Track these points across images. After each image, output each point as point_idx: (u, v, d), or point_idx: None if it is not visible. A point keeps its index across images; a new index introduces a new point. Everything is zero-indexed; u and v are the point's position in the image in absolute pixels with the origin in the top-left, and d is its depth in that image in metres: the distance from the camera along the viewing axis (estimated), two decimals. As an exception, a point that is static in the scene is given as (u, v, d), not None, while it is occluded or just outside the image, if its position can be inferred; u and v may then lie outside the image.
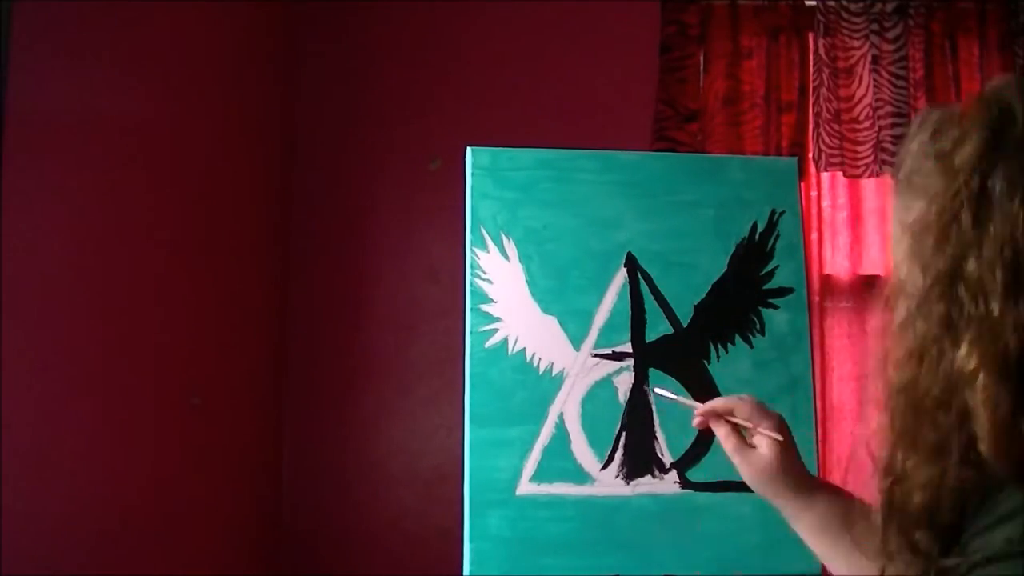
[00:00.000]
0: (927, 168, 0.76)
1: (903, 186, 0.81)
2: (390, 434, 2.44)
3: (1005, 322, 0.67)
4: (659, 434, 1.30)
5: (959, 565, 0.67)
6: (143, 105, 1.82)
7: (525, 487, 1.27)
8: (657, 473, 1.30)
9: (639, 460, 1.30)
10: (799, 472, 1.02)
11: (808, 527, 1.03)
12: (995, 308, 0.68)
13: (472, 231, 1.33)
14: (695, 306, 1.34)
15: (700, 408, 1.05)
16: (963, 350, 0.68)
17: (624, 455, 1.29)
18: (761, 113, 2.37)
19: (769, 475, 1.01)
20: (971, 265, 0.69)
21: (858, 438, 0.84)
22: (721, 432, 1.03)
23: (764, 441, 1.01)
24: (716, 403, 1.04)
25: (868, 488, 0.77)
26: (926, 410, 0.70)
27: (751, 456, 1.01)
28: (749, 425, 1.02)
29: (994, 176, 0.70)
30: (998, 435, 0.66)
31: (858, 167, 2.35)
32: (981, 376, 0.67)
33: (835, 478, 2.32)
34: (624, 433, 1.30)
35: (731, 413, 1.03)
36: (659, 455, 1.30)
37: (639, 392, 1.31)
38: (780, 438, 1.01)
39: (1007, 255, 0.68)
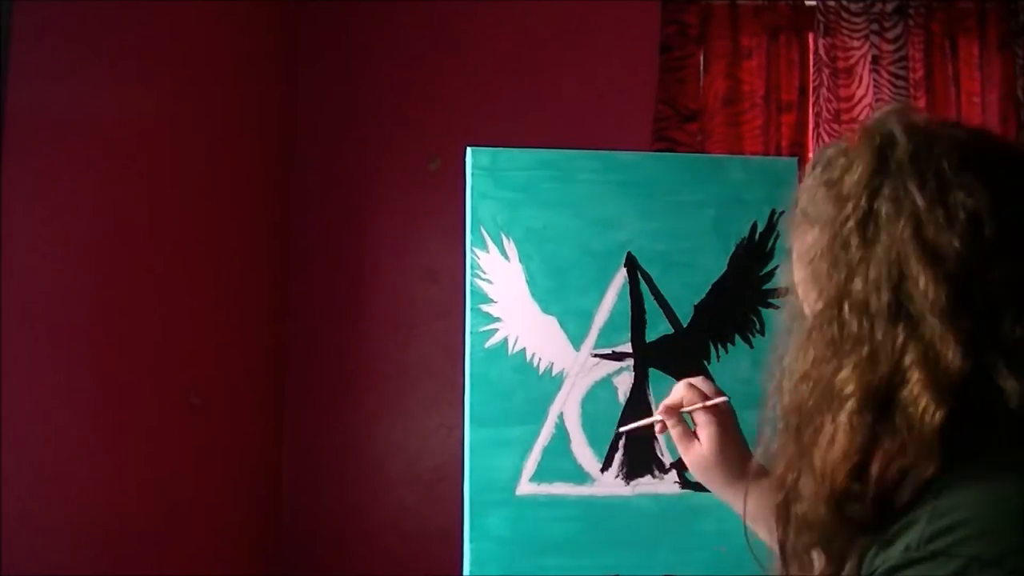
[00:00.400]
0: (819, 198, 0.78)
1: (798, 219, 0.83)
2: (390, 434, 2.44)
3: (885, 344, 0.69)
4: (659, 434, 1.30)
5: None
6: (143, 105, 1.82)
7: (525, 487, 1.27)
8: (657, 473, 1.30)
9: (639, 460, 1.30)
10: (735, 463, 1.04)
11: (746, 515, 1.05)
12: (878, 331, 0.69)
13: (472, 231, 1.33)
14: (695, 306, 1.34)
15: (659, 410, 1.06)
16: (843, 373, 0.70)
17: (624, 455, 1.29)
18: (761, 113, 2.37)
19: (705, 466, 1.04)
20: (858, 287, 0.71)
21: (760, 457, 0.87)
22: (670, 423, 1.06)
23: (704, 432, 1.04)
24: (670, 397, 1.07)
25: None
26: (810, 431, 0.72)
27: (691, 447, 1.05)
28: (692, 408, 1.04)
29: (879, 198, 0.72)
30: (849, 466, 0.68)
31: (858, 167, 2.35)
32: (851, 403, 0.69)
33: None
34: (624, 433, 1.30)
35: (681, 403, 1.06)
36: (659, 455, 1.30)
37: (639, 392, 1.31)
38: (714, 402, 1.04)
39: (892, 275, 0.70)
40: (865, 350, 0.69)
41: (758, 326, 1.33)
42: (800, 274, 0.82)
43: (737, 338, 1.34)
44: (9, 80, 1.42)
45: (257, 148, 2.35)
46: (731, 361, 1.33)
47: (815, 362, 0.73)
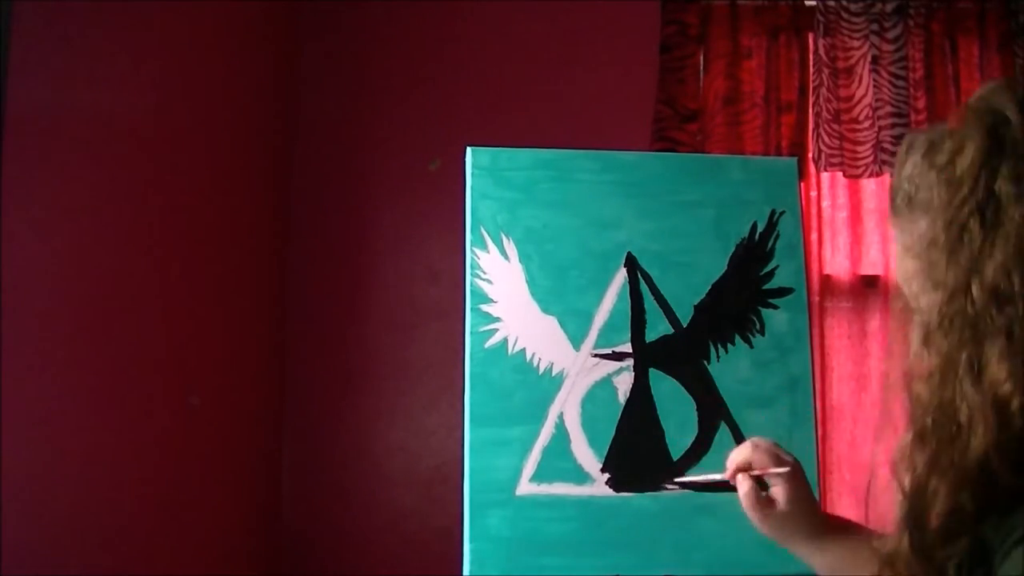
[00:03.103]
0: (927, 183, 0.74)
1: (902, 208, 0.79)
2: (390, 434, 2.44)
3: None
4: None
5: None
6: (143, 106, 1.82)
7: (525, 487, 1.27)
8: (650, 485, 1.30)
9: (634, 473, 1.30)
10: (812, 521, 1.03)
11: (821, 568, 1.04)
12: (1016, 315, 0.65)
13: (472, 231, 1.33)
14: (695, 306, 1.34)
15: (727, 474, 1.05)
16: (993, 367, 0.66)
17: (620, 461, 1.29)
18: (761, 113, 2.37)
19: (782, 525, 1.03)
20: (988, 272, 0.67)
21: (876, 463, 0.82)
22: (743, 490, 1.04)
23: (779, 491, 1.02)
24: (736, 458, 1.04)
25: (886, 515, 0.75)
26: (955, 430, 0.67)
27: (763, 507, 1.02)
28: (767, 472, 1.03)
29: (998, 180, 0.68)
30: (1007, 458, 0.64)
31: (858, 167, 2.35)
32: (1017, 397, 0.64)
33: (834, 478, 2.32)
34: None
35: (750, 465, 1.03)
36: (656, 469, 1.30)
37: (639, 392, 1.31)
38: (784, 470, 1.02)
39: (1022, 259, 0.66)
40: (1011, 337, 0.65)
41: (758, 326, 1.33)
42: (911, 266, 0.77)
43: (737, 338, 1.34)
44: (9, 80, 1.42)
45: (257, 148, 2.35)
46: (731, 361, 1.33)
47: (947, 357, 0.69)
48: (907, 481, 0.71)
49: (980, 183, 0.69)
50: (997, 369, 0.65)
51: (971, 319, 0.67)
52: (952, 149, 0.72)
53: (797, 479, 1.04)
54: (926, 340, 0.71)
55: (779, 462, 1.04)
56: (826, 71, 2.38)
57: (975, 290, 0.67)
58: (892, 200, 0.82)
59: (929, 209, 0.73)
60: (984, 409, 0.65)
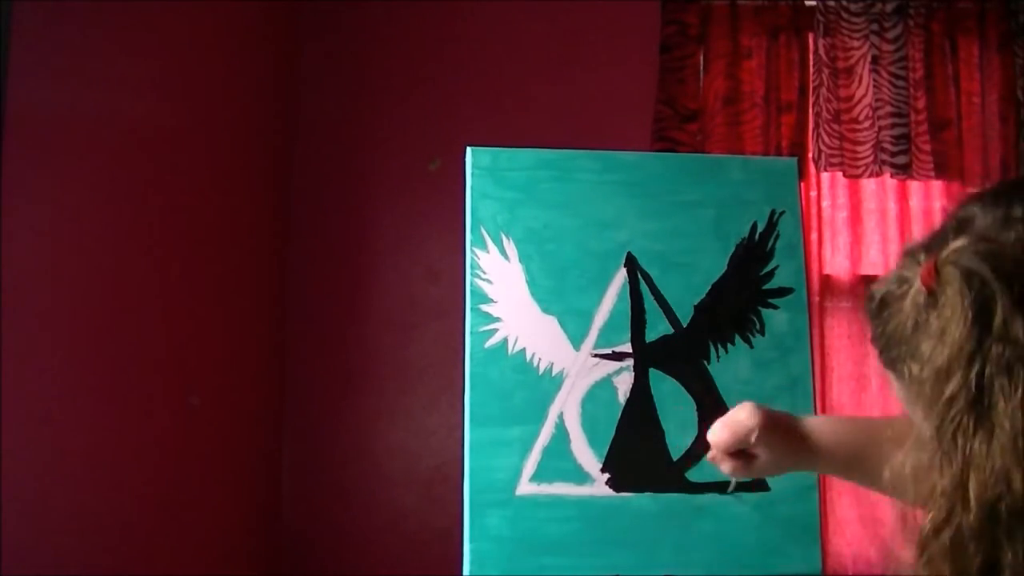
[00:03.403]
0: (912, 373, 0.68)
1: (895, 376, 0.73)
2: (390, 434, 2.44)
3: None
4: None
5: None
6: (143, 106, 1.82)
7: (525, 487, 1.27)
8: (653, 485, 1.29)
9: (635, 473, 1.30)
10: (794, 451, 1.05)
11: (823, 472, 1.11)
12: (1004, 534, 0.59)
13: (472, 231, 1.32)
14: (695, 306, 1.34)
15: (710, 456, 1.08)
16: None
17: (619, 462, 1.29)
18: (761, 113, 2.37)
19: (771, 470, 1.06)
20: (983, 487, 0.61)
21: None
22: (727, 467, 1.06)
23: (761, 453, 1.04)
24: (716, 442, 1.06)
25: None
26: None
27: (752, 466, 1.05)
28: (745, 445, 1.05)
29: (988, 366, 0.62)
30: None
31: (858, 167, 2.35)
32: None
33: (834, 478, 2.32)
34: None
35: (726, 446, 1.05)
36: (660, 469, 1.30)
37: (639, 392, 1.31)
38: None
39: (1021, 445, 0.60)
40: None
41: (758, 326, 1.33)
42: (907, 402, 0.72)
43: (737, 338, 1.34)
44: (9, 80, 1.42)
45: (257, 148, 2.35)
46: (731, 361, 1.33)
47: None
48: None
49: (972, 377, 0.62)
50: None
51: (974, 540, 0.61)
52: (936, 334, 0.65)
53: (768, 435, 1.05)
54: (927, 561, 0.64)
55: (742, 440, 1.04)
56: (826, 71, 2.38)
57: (972, 503, 0.61)
58: (881, 358, 0.75)
59: (918, 402, 0.67)
60: None
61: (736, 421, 1.05)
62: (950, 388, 0.63)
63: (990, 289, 0.62)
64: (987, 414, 0.61)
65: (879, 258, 2.38)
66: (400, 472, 2.41)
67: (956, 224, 0.68)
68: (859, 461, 1.04)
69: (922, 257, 0.69)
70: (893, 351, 0.71)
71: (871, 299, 0.75)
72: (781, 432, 1.05)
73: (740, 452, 1.06)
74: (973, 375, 0.62)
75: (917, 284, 0.67)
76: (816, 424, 1.07)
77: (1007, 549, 0.60)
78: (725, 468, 1.07)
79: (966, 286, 0.63)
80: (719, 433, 1.05)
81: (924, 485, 0.65)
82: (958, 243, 0.65)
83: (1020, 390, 0.60)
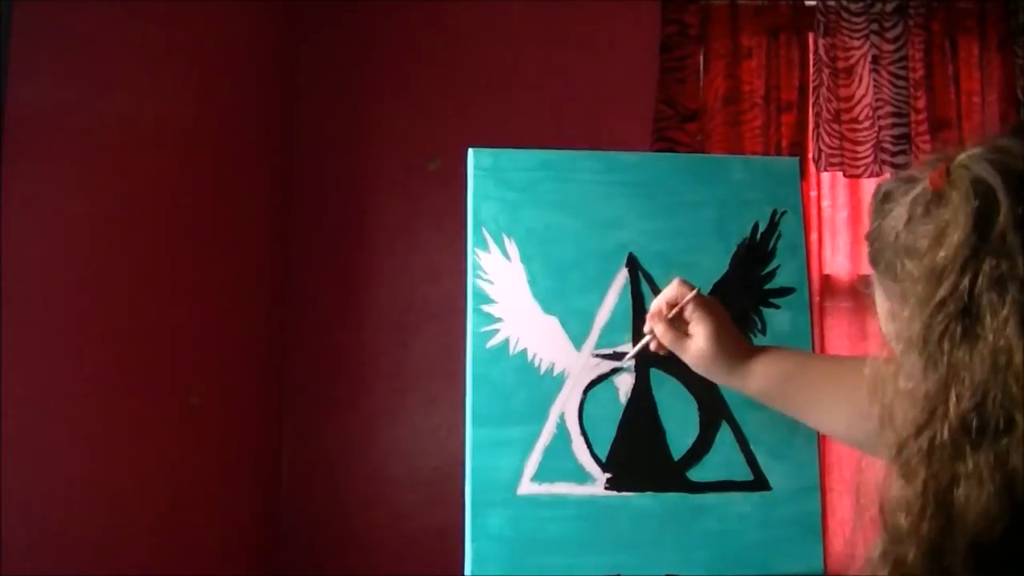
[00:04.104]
0: (907, 269, 0.68)
1: (881, 276, 0.74)
2: (390, 434, 2.44)
3: (1012, 444, 0.59)
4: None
5: None
6: (142, 106, 1.82)
7: (526, 487, 1.27)
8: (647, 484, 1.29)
9: (633, 473, 1.30)
10: (733, 351, 1.11)
11: (754, 394, 1.12)
12: (999, 440, 0.60)
13: (474, 232, 1.32)
14: (696, 306, 1.34)
15: (646, 328, 1.17)
16: (968, 503, 0.60)
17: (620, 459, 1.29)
18: (761, 113, 2.37)
19: (707, 359, 1.11)
20: (960, 395, 0.61)
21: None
22: (659, 329, 1.14)
23: (698, 328, 1.11)
24: (650, 310, 1.16)
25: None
26: (933, 567, 0.62)
27: (688, 345, 1.12)
28: (682, 304, 1.13)
29: (980, 278, 0.61)
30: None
31: (858, 167, 2.35)
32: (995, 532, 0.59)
33: (834, 477, 2.32)
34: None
35: (662, 311, 1.14)
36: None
37: (641, 392, 1.31)
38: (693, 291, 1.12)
39: (996, 380, 0.60)
40: (993, 455, 0.60)
41: (759, 326, 1.33)
42: (889, 329, 0.73)
43: (738, 338, 1.33)
44: (9, 80, 1.42)
45: (257, 148, 2.35)
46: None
47: (924, 487, 0.63)
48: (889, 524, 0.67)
49: (961, 283, 0.62)
50: (972, 507, 0.60)
51: (952, 446, 0.61)
52: (934, 234, 0.65)
53: (711, 308, 1.12)
54: (903, 464, 0.65)
55: (697, 299, 1.12)
56: (826, 71, 2.38)
57: (952, 411, 0.61)
58: (871, 256, 0.75)
59: (906, 299, 0.67)
60: (970, 553, 0.60)
61: (677, 283, 1.14)
62: (941, 292, 0.62)
63: (995, 199, 0.62)
64: (973, 325, 0.61)
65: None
66: (400, 472, 2.41)
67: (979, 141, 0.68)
68: (796, 388, 1.08)
69: (936, 162, 0.69)
70: (887, 248, 0.71)
71: (877, 192, 0.76)
72: (719, 318, 1.11)
73: (674, 323, 1.13)
74: (965, 282, 0.61)
75: (925, 183, 0.68)
76: (760, 347, 1.13)
77: (969, 460, 0.60)
78: (658, 330, 1.14)
79: (972, 191, 0.63)
80: (661, 293, 1.15)
81: (906, 387, 0.65)
82: (974, 150, 0.65)
83: (1007, 308, 0.60)
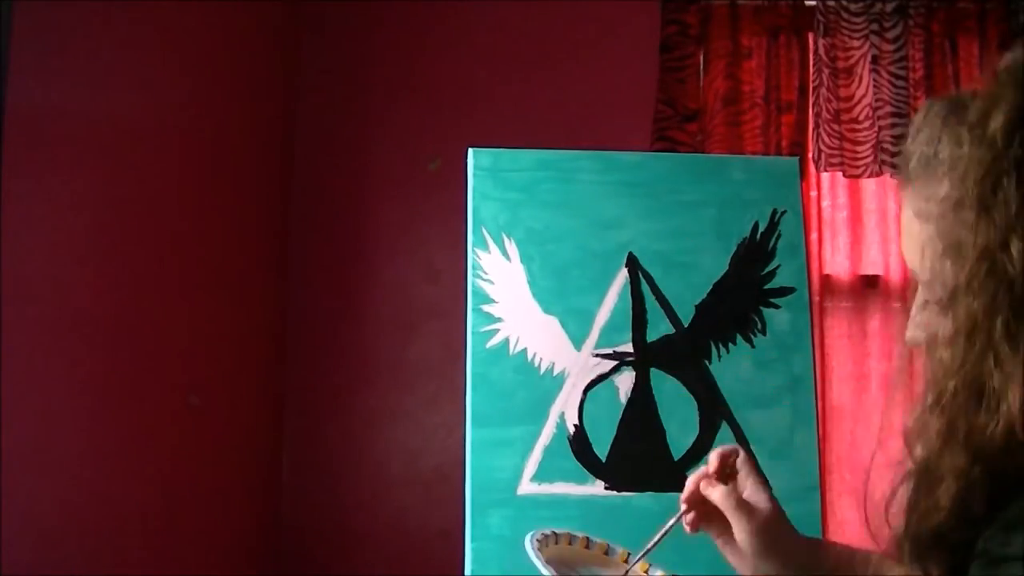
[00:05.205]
0: (953, 142, 0.70)
1: (919, 173, 0.76)
2: (390, 434, 2.44)
3: None
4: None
5: (978, 558, 0.62)
6: (142, 106, 1.82)
7: (526, 487, 1.27)
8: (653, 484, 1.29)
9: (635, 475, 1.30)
10: (792, 531, 0.98)
11: (823, 570, 0.97)
12: None
13: (474, 232, 1.32)
14: (696, 306, 1.34)
15: (683, 499, 1.00)
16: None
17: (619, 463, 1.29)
18: (761, 113, 2.37)
19: (775, 525, 0.96)
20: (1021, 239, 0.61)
21: (874, 464, 0.76)
22: (717, 495, 0.97)
23: (760, 496, 0.96)
24: (691, 484, 0.99)
25: (881, 491, 0.70)
26: (981, 398, 0.62)
27: (755, 512, 0.95)
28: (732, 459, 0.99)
29: None
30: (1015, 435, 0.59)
31: (858, 167, 2.35)
32: None
33: (835, 477, 2.32)
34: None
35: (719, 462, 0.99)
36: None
37: (640, 392, 1.31)
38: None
39: None
40: None
41: (759, 326, 1.33)
42: (925, 232, 0.73)
43: (738, 338, 1.33)
44: (9, 80, 1.42)
45: (257, 148, 2.35)
46: (732, 361, 1.33)
47: (976, 320, 0.63)
48: (919, 453, 0.67)
49: (1016, 142, 0.63)
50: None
51: (1008, 280, 0.62)
52: (982, 109, 0.66)
53: (766, 482, 0.98)
54: (952, 301, 0.65)
55: (730, 455, 0.98)
56: (826, 71, 2.38)
57: (1015, 251, 0.61)
58: (904, 162, 0.77)
59: (955, 167, 0.67)
60: (1022, 377, 0.60)
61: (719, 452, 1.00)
62: (995, 150, 0.63)
63: None
64: None
65: (879, 258, 2.38)
66: (400, 472, 2.41)
67: None
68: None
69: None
70: (924, 144, 0.74)
71: (920, 111, 0.77)
72: (772, 506, 0.97)
73: (729, 481, 0.98)
74: (1019, 139, 0.62)
75: (969, 91, 0.71)
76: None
77: None
78: (715, 495, 0.97)
79: (1019, 69, 0.64)
80: (708, 463, 0.99)
81: (950, 246, 0.65)
82: (1016, 48, 0.67)
83: None
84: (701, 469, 0.99)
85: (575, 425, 1.29)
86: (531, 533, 1.18)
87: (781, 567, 0.95)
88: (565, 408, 1.30)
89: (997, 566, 0.61)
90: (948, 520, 0.64)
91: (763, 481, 0.98)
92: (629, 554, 1.17)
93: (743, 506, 0.95)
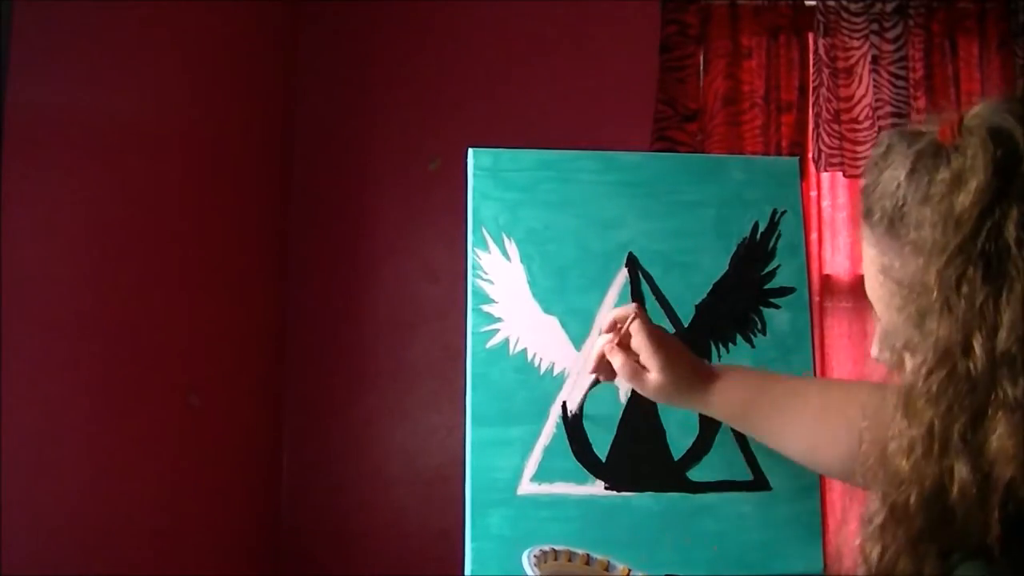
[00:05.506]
0: (917, 215, 0.66)
1: (881, 231, 0.71)
2: (390, 434, 2.44)
3: None
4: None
5: None
6: (142, 106, 1.82)
7: (526, 487, 1.27)
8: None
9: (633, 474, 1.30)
10: (691, 378, 1.11)
11: (720, 418, 1.14)
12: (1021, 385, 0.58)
13: (474, 232, 1.32)
14: (696, 306, 1.34)
15: (591, 367, 1.18)
16: (995, 442, 0.58)
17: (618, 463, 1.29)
18: (761, 113, 2.37)
19: (664, 391, 1.11)
20: (999, 334, 0.59)
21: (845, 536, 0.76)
22: (617, 362, 1.13)
23: (651, 362, 1.10)
24: (595, 347, 1.16)
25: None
26: (942, 509, 0.61)
27: (644, 378, 1.11)
28: (625, 327, 1.13)
29: (1007, 225, 0.59)
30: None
31: (858, 167, 2.35)
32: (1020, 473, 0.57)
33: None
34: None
35: (617, 339, 1.13)
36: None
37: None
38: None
39: None
40: (1013, 410, 0.58)
41: (759, 326, 1.33)
42: (886, 294, 0.71)
43: (738, 338, 1.33)
44: (9, 80, 1.42)
45: (257, 148, 2.35)
46: (732, 360, 1.32)
47: (933, 429, 0.61)
48: (875, 558, 0.66)
49: (984, 228, 0.60)
50: (1001, 445, 0.58)
51: (969, 385, 0.60)
52: (950, 181, 0.63)
53: (663, 345, 1.10)
54: (907, 407, 0.63)
55: (623, 315, 1.13)
56: (826, 71, 2.38)
57: (977, 350, 0.59)
58: (866, 208, 0.73)
59: (920, 248, 0.64)
60: (983, 489, 0.58)
61: (616, 310, 1.15)
62: (960, 236, 0.61)
63: (1017, 145, 0.61)
64: (1001, 268, 0.60)
65: (879, 258, 2.38)
66: (400, 472, 2.41)
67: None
68: (757, 413, 1.08)
69: (940, 120, 0.68)
70: (887, 199, 0.69)
71: (878, 146, 0.73)
72: (669, 346, 1.11)
73: (628, 352, 1.12)
74: (988, 226, 0.60)
75: (933, 136, 0.67)
76: (720, 371, 1.13)
77: (1007, 387, 0.59)
78: (616, 362, 1.13)
79: (991, 140, 0.62)
80: (605, 328, 1.15)
81: (913, 332, 0.64)
82: (986, 103, 0.65)
83: None
84: (604, 338, 1.15)
85: (575, 426, 1.29)
86: (529, 550, 1.20)
87: (681, 407, 1.15)
88: (565, 408, 1.30)
89: None
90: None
91: (654, 343, 1.10)
92: (630, 571, 1.19)
93: (637, 374, 1.11)
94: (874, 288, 0.74)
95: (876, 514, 0.67)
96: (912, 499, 0.63)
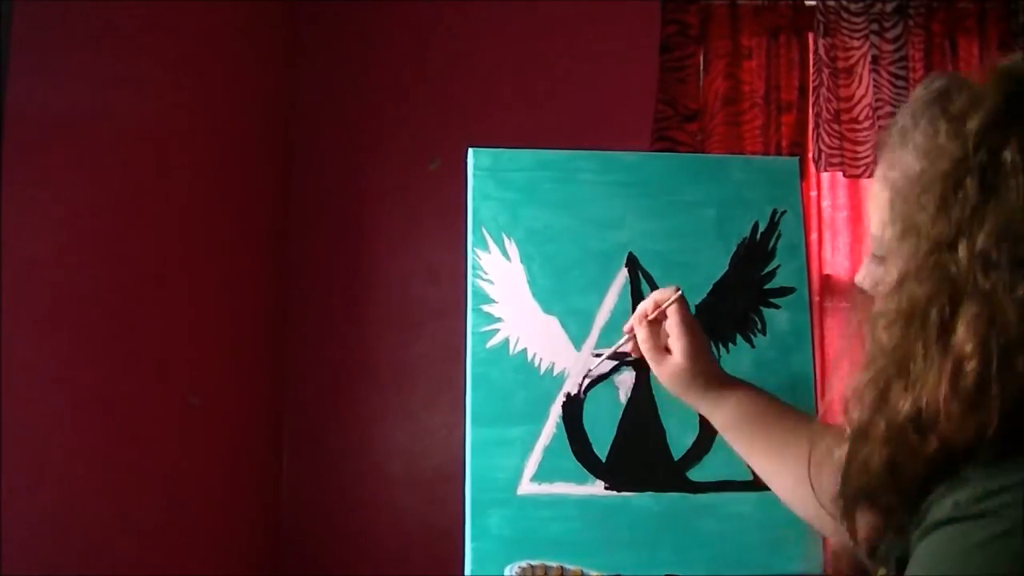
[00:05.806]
0: (931, 128, 0.73)
1: (897, 140, 0.79)
2: (390, 434, 2.44)
3: (1006, 300, 0.64)
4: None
5: (915, 533, 0.66)
6: (142, 106, 1.82)
7: (526, 487, 1.27)
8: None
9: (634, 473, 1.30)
10: (709, 374, 1.11)
11: (720, 425, 1.12)
12: (999, 284, 0.64)
13: (474, 232, 1.32)
14: (696, 306, 1.33)
15: (626, 327, 1.18)
16: (962, 329, 0.65)
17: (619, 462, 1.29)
18: (761, 113, 2.37)
19: (681, 377, 1.11)
20: (976, 236, 0.65)
21: (829, 401, 0.84)
22: (641, 334, 1.14)
23: (677, 344, 1.10)
24: (642, 307, 1.15)
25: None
26: (906, 377, 0.68)
27: (664, 361, 1.11)
28: (659, 310, 1.13)
29: (1007, 147, 0.66)
30: (964, 413, 0.64)
31: (858, 167, 2.35)
32: (974, 361, 0.63)
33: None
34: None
35: (646, 314, 1.14)
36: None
37: (641, 392, 1.31)
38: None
39: (1014, 230, 0.65)
40: (985, 304, 0.64)
41: (759, 326, 1.33)
42: (886, 200, 0.77)
43: (738, 338, 1.33)
44: (9, 80, 1.42)
45: (257, 148, 2.35)
46: (732, 361, 1.32)
47: (917, 306, 0.67)
48: (854, 417, 0.72)
49: (987, 144, 0.67)
50: (965, 332, 0.64)
51: (951, 276, 0.66)
52: (966, 103, 0.70)
53: (695, 334, 1.11)
54: (900, 285, 0.70)
55: (665, 296, 1.13)
56: (826, 71, 2.38)
57: (961, 250, 0.66)
58: (890, 128, 0.81)
59: (927, 154, 0.72)
60: (941, 366, 0.65)
61: (665, 289, 1.15)
62: (966, 149, 0.67)
63: None
64: (995, 183, 0.66)
65: (879, 258, 2.38)
66: (400, 472, 2.41)
67: None
68: (751, 435, 1.09)
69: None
70: (907, 117, 0.78)
71: (927, 81, 0.80)
72: (700, 339, 1.12)
73: (656, 334, 1.12)
74: (990, 145, 0.66)
75: (961, 76, 0.76)
76: (735, 381, 1.13)
77: (979, 279, 0.65)
78: (640, 334, 1.14)
79: (1012, 80, 0.68)
80: (649, 297, 1.16)
81: (909, 227, 0.70)
82: (1016, 58, 0.72)
83: None
84: (642, 308, 1.16)
85: (575, 425, 1.29)
86: (509, 566, 1.21)
87: (690, 403, 1.13)
88: (565, 408, 1.30)
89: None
90: (876, 482, 0.69)
91: (686, 330, 1.11)
92: None
93: (658, 354, 1.12)
94: (877, 206, 0.81)
95: (859, 380, 0.73)
96: (885, 364, 0.70)
